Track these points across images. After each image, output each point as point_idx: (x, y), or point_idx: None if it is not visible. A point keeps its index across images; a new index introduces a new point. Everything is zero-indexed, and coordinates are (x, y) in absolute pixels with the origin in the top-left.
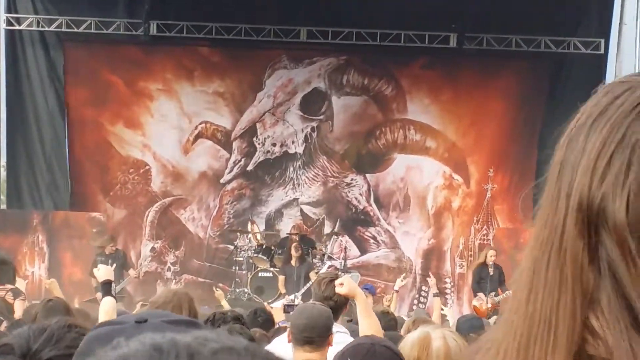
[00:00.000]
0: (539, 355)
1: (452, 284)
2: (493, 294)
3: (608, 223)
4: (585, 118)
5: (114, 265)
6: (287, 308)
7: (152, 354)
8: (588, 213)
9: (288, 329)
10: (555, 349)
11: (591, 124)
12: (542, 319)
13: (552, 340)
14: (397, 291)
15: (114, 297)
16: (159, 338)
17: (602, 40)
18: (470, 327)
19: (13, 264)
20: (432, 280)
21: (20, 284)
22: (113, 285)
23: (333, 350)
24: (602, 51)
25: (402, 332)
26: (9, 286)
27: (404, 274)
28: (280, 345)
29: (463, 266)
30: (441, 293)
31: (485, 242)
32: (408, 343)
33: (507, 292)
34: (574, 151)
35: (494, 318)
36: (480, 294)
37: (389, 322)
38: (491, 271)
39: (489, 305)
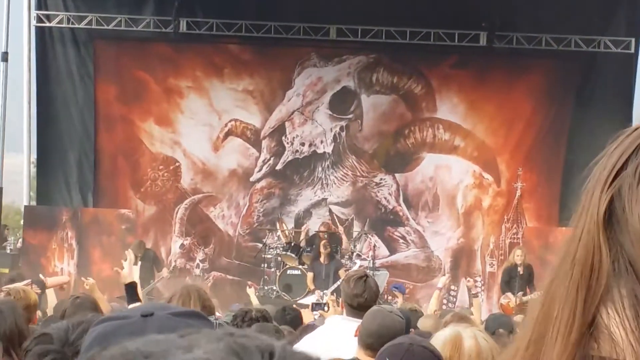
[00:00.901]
0: (544, 349)
1: (482, 282)
2: (521, 293)
3: (627, 224)
4: (615, 142)
5: (141, 265)
6: (315, 307)
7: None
8: (604, 215)
9: (357, 325)
10: (555, 341)
11: (617, 145)
12: (550, 315)
13: (555, 333)
14: (440, 289)
15: (141, 301)
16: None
17: (633, 40)
18: (499, 324)
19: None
20: (469, 283)
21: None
22: (140, 289)
23: None
24: (632, 50)
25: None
26: (29, 280)
27: (447, 275)
28: (317, 344)
29: (494, 265)
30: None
31: (515, 240)
32: (439, 342)
33: (535, 292)
34: (600, 167)
35: (519, 316)
36: (508, 293)
37: (417, 319)
38: (520, 270)
39: (517, 303)
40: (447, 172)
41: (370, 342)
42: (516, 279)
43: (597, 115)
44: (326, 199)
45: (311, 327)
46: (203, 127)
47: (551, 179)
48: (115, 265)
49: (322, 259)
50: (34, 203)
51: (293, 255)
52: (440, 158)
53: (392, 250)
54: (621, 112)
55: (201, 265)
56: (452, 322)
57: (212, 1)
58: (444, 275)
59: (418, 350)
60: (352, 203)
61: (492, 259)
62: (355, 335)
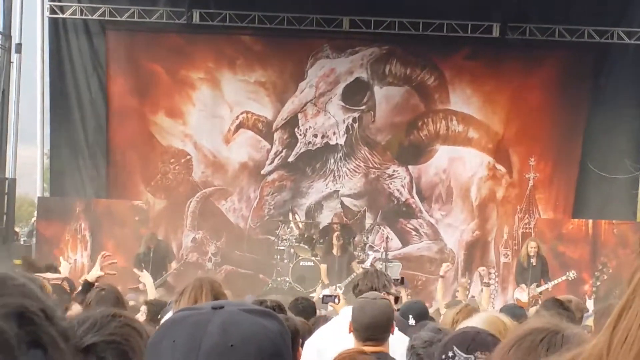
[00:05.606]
0: None
1: (496, 274)
2: (535, 285)
3: None
4: None
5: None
6: (326, 299)
7: None
8: None
9: (349, 321)
10: None
11: None
12: None
13: None
14: (442, 276)
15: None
16: None
17: None
18: (512, 315)
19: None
20: (483, 271)
21: (64, 267)
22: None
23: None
24: None
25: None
26: (62, 275)
27: (448, 262)
28: (335, 334)
29: (508, 255)
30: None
31: (527, 231)
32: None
33: (549, 282)
34: None
35: (533, 309)
36: (522, 285)
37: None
38: (534, 262)
39: (530, 296)
40: (461, 164)
41: (369, 335)
42: (529, 271)
43: (612, 106)
44: (338, 190)
45: (324, 319)
46: (214, 120)
47: (567, 170)
48: (128, 257)
49: (334, 251)
50: (47, 194)
51: (306, 246)
52: (454, 150)
53: (405, 242)
54: (636, 103)
55: (213, 259)
56: (461, 316)
57: None
58: (449, 265)
59: (485, 337)
60: (364, 195)
61: (506, 249)
62: (350, 332)
